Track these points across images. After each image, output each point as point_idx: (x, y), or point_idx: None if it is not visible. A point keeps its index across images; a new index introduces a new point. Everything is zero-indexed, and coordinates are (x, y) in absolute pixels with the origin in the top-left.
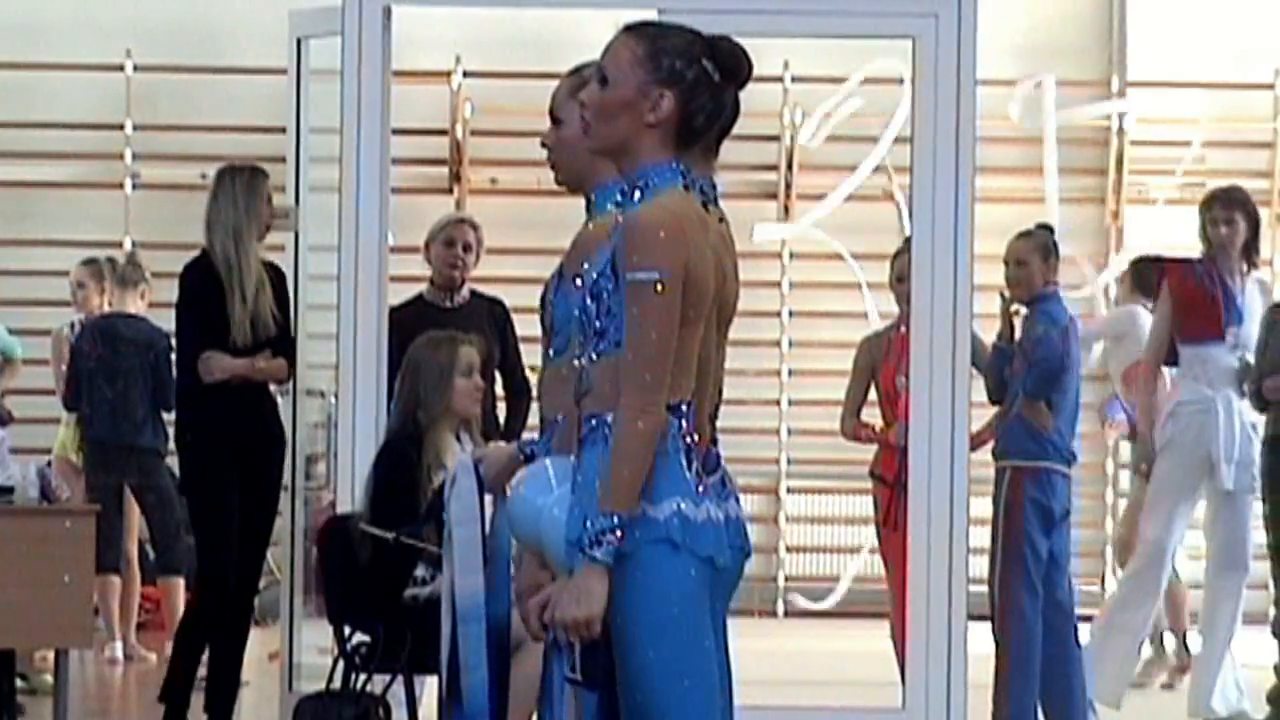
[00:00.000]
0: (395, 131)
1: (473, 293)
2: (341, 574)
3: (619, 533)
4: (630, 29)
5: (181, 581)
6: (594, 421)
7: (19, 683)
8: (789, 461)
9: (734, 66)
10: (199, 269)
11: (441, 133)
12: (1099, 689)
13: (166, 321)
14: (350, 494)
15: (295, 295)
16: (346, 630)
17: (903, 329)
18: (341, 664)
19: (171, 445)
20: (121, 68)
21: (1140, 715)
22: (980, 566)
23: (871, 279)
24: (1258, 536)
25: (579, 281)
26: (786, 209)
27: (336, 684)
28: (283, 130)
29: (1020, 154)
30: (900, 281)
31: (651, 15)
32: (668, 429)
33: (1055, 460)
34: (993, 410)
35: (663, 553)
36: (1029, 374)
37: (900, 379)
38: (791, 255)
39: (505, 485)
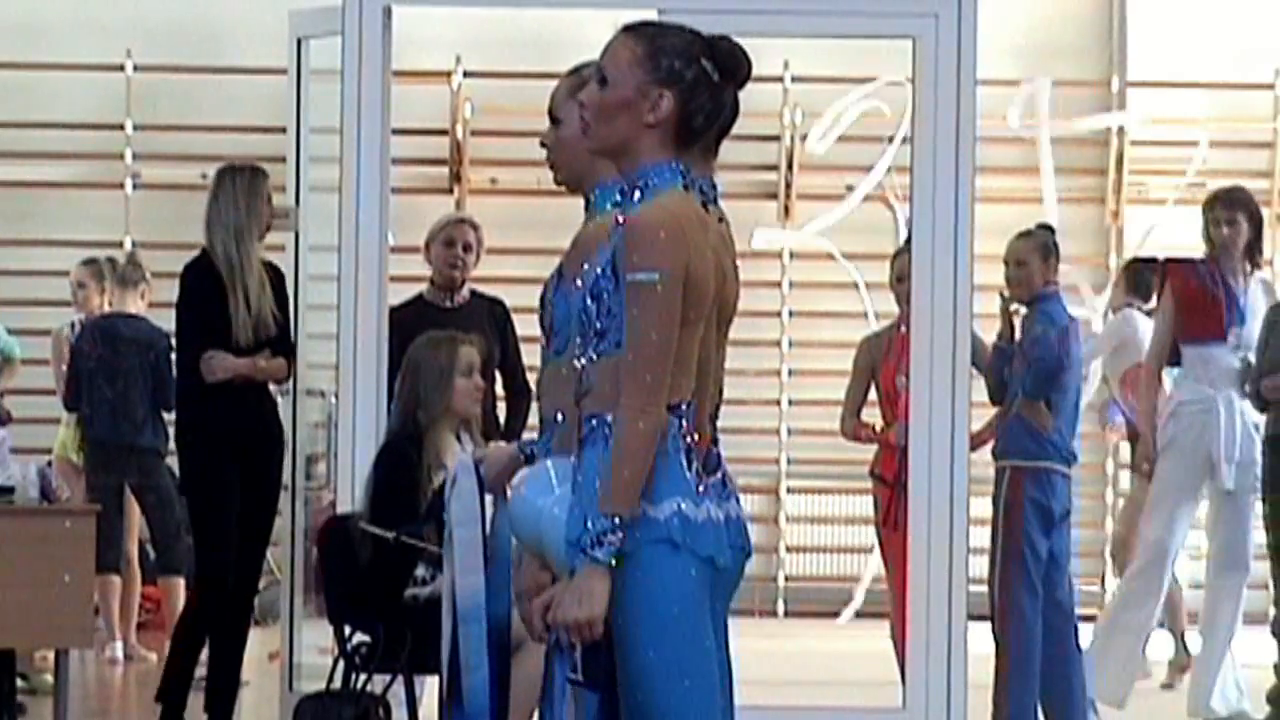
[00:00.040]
0: (395, 131)
1: (473, 293)
2: (341, 574)
3: (620, 533)
4: (629, 29)
5: (182, 581)
6: (594, 421)
7: (19, 683)
8: (789, 461)
9: (733, 66)
10: (199, 269)
11: (441, 133)
12: (1103, 689)
13: (166, 321)
14: (350, 494)
15: (295, 295)
16: (346, 630)
17: (903, 329)
18: (341, 664)
19: (172, 445)
20: (121, 68)
21: (1140, 715)
22: (980, 566)
23: (869, 279)
24: (1258, 536)
25: (579, 282)
26: (786, 209)
27: (336, 684)
28: (283, 130)
29: (1020, 154)
30: (900, 281)
31: (651, 15)
32: (668, 429)
33: (1055, 460)
34: (993, 410)
35: (663, 553)
36: (1027, 374)
37: (900, 379)
38: (792, 256)
39: (505, 485)
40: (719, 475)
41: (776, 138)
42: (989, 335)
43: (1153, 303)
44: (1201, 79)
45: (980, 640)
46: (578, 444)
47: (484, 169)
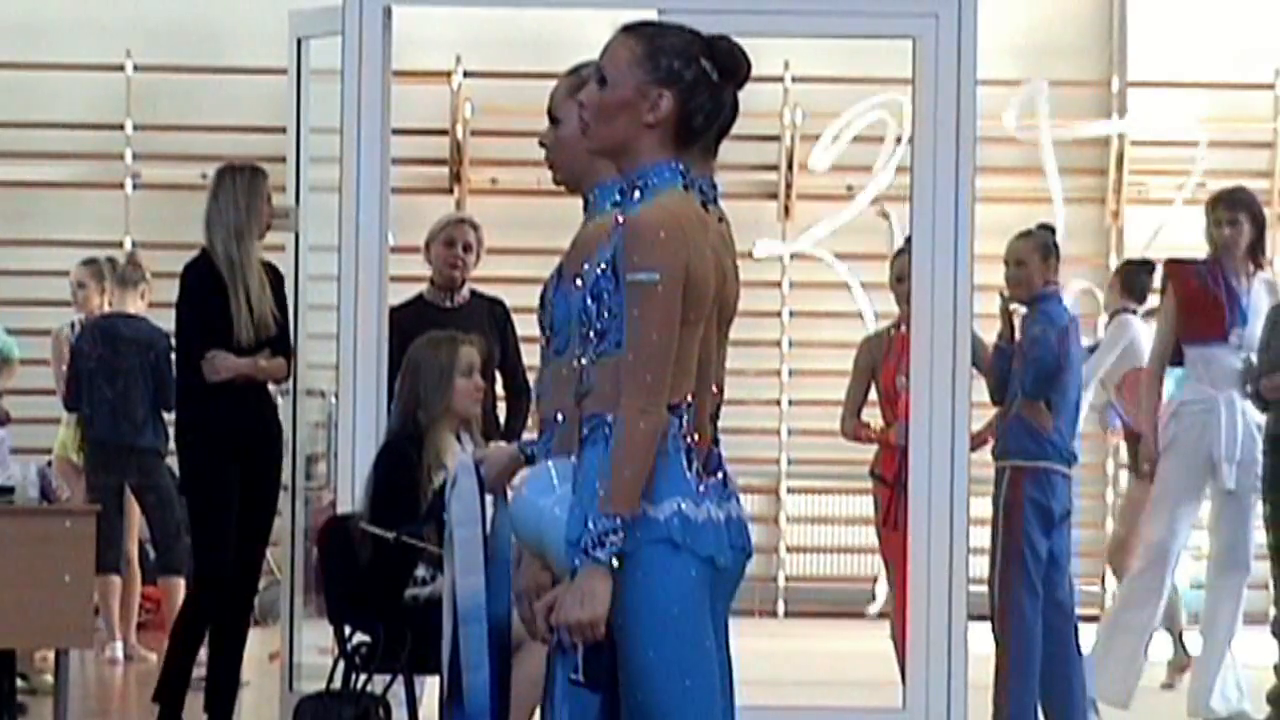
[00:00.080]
0: (395, 131)
1: (473, 293)
2: (341, 574)
3: (621, 534)
4: (628, 29)
5: (182, 581)
6: (594, 422)
7: (19, 683)
8: (789, 461)
9: (732, 66)
10: (200, 268)
11: (441, 133)
12: (1106, 690)
13: (166, 321)
14: (350, 494)
15: (295, 295)
16: (347, 630)
17: (903, 329)
18: (341, 664)
19: (171, 445)
20: (121, 68)
21: (1140, 715)
22: (980, 566)
23: (870, 279)
24: (1258, 536)
25: (579, 282)
26: (786, 209)
27: (336, 684)
28: (283, 130)
29: (1020, 154)
30: (900, 281)
31: (651, 15)
32: (668, 429)
33: (1055, 460)
34: (993, 410)
35: (663, 553)
36: (1026, 374)
37: (900, 379)
38: (792, 256)
39: (506, 486)
40: (720, 475)
41: (776, 138)
42: (989, 335)
43: (1148, 304)
44: (1201, 79)
45: (980, 640)
46: (578, 444)
47: (484, 169)
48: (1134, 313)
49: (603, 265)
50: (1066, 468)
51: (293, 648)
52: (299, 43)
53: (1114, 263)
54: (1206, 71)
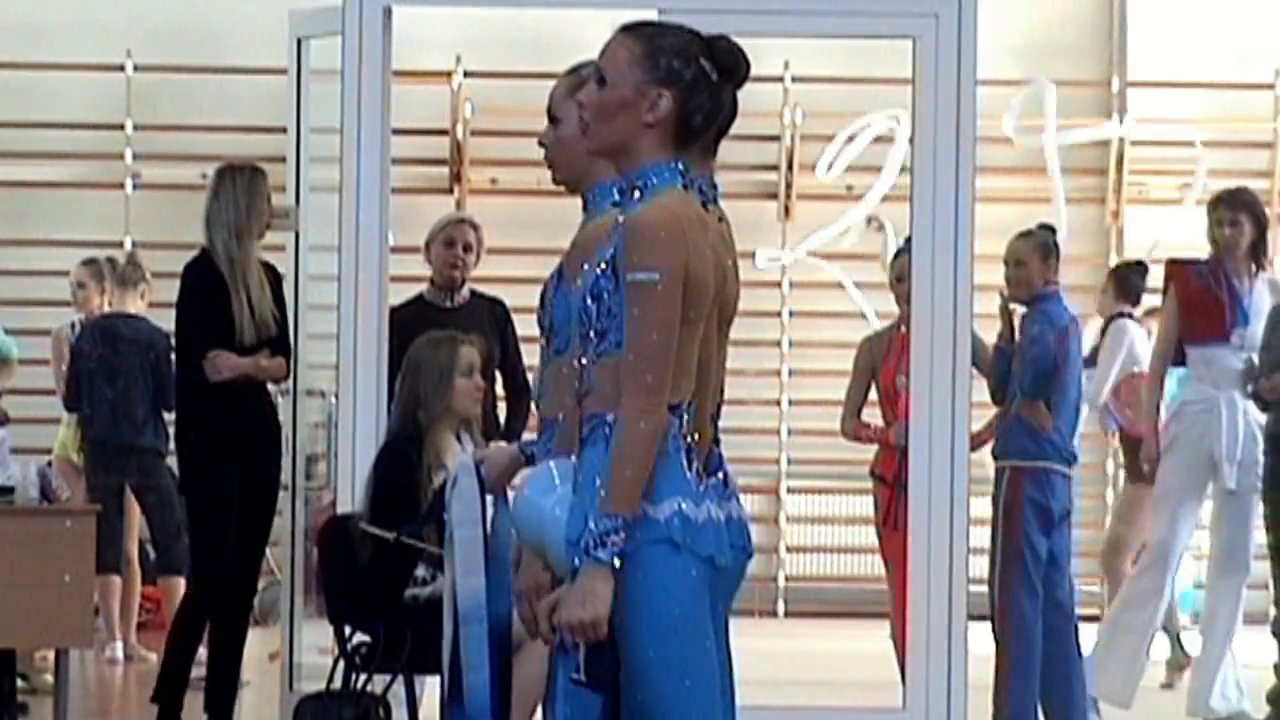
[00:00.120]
0: (395, 131)
1: (473, 293)
2: (341, 574)
3: (623, 534)
4: (627, 29)
5: (182, 581)
6: (595, 422)
7: (19, 683)
8: (789, 461)
9: (731, 65)
10: (200, 268)
11: (441, 133)
12: (1108, 690)
13: (167, 321)
14: (350, 494)
15: (295, 295)
16: (347, 630)
17: (903, 329)
18: (342, 664)
19: (171, 444)
20: (121, 68)
21: (1140, 715)
22: (980, 566)
23: (870, 279)
24: (1259, 536)
25: (579, 282)
26: (786, 209)
27: (337, 684)
28: (283, 130)
29: (1020, 154)
30: (900, 281)
31: (651, 15)
32: (668, 429)
33: (1055, 460)
34: (993, 410)
35: (663, 553)
36: (1025, 374)
37: (900, 379)
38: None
39: (506, 486)
40: (720, 475)
41: (776, 138)
42: (989, 335)
43: (1142, 305)
44: (1201, 79)
45: (980, 640)
46: (579, 444)
47: (484, 169)
48: (1129, 316)
49: (602, 265)
50: (1066, 468)
51: (293, 648)
52: (299, 43)
53: (1114, 263)
54: (1206, 71)
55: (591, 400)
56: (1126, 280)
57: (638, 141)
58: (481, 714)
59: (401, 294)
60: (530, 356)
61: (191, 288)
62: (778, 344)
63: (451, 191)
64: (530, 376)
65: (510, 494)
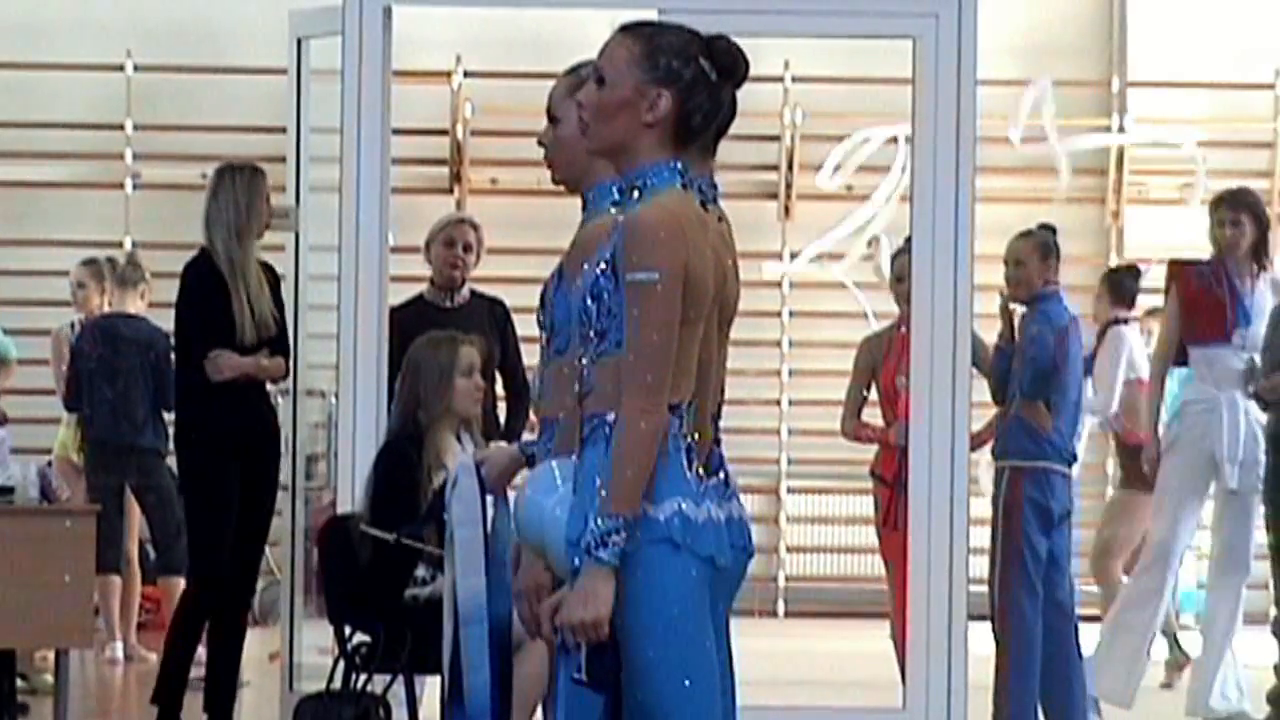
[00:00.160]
0: (395, 131)
1: (473, 293)
2: (341, 574)
3: (624, 534)
4: (626, 29)
5: (182, 581)
6: (595, 422)
7: (19, 682)
8: (789, 461)
9: (731, 65)
10: (200, 268)
11: (441, 133)
12: (1109, 689)
13: (166, 321)
14: (350, 494)
15: (295, 295)
16: (347, 630)
17: (903, 329)
18: (341, 664)
19: (171, 444)
20: (121, 68)
21: (1139, 714)
22: (980, 566)
23: (866, 279)
24: (1259, 536)
25: (579, 282)
26: (787, 209)
27: (337, 684)
28: (283, 130)
29: (1020, 154)
30: (900, 281)
31: (651, 15)
32: (668, 429)
33: (1054, 460)
34: (993, 410)
35: (663, 553)
36: (1023, 374)
37: (900, 379)
38: (792, 256)
39: (506, 487)
40: (721, 475)
41: (776, 138)
42: (989, 335)
43: (1144, 306)
44: (1201, 79)
45: (980, 640)
46: (579, 444)
47: (484, 169)
48: (1125, 322)
49: (602, 265)
50: (1066, 468)
51: (293, 648)
52: (299, 43)
53: (1114, 263)
54: (1206, 71)
55: (592, 400)
56: (1120, 285)
57: (637, 141)
58: (482, 714)
59: (401, 294)
60: (530, 356)
61: (191, 288)
62: (778, 344)
63: (451, 191)
64: (530, 376)
65: (511, 494)
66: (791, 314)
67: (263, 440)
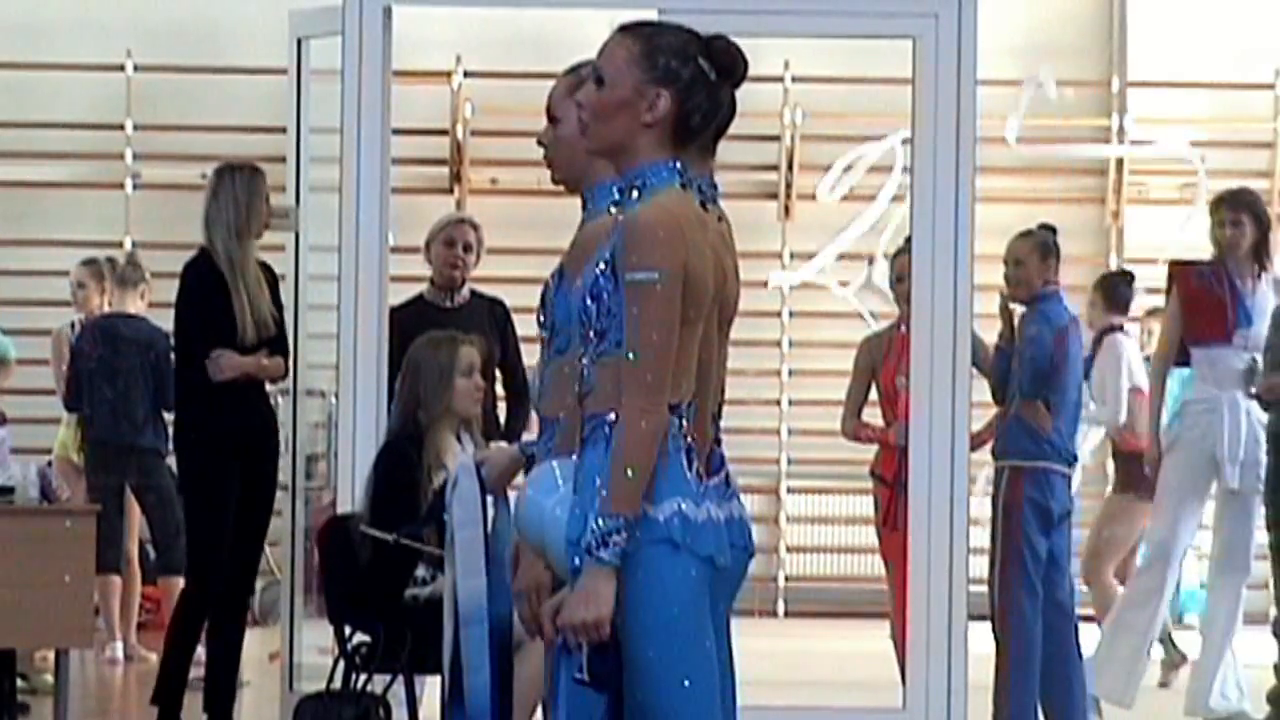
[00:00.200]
0: (395, 131)
1: (473, 293)
2: (341, 574)
3: (625, 534)
4: (625, 29)
5: (182, 581)
6: (595, 422)
7: (19, 682)
8: (789, 461)
9: (730, 65)
10: (200, 268)
11: (441, 133)
12: (1109, 689)
13: (166, 321)
14: (350, 494)
15: (295, 295)
16: (347, 630)
17: (903, 329)
18: (342, 664)
19: (171, 444)
20: (121, 68)
21: (1139, 714)
22: (980, 566)
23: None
24: (1259, 536)
25: (579, 282)
26: (787, 209)
27: (337, 684)
28: (283, 130)
29: (1020, 154)
30: (900, 281)
31: (651, 15)
32: (668, 429)
33: (1054, 460)
34: (993, 410)
35: (663, 553)
36: (1022, 373)
37: (900, 379)
38: (792, 256)
39: (506, 487)
40: (722, 475)
41: (776, 138)
42: (989, 335)
43: (1144, 306)
44: (1201, 79)
45: (980, 640)
46: (580, 443)
47: (484, 169)
48: (1121, 329)
49: (602, 265)
50: (1066, 468)
51: (293, 648)
52: (299, 43)
53: (1114, 263)
54: (1206, 71)
55: (592, 400)
56: (1115, 290)
57: (636, 141)
58: (482, 715)
59: (401, 294)
60: (530, 357)
61: (191, 288)
62: (778, 344)
63: (451, 191)
64: (530, 375)
65: (511, 495)
66: (791, 314)
67: (262, 440)
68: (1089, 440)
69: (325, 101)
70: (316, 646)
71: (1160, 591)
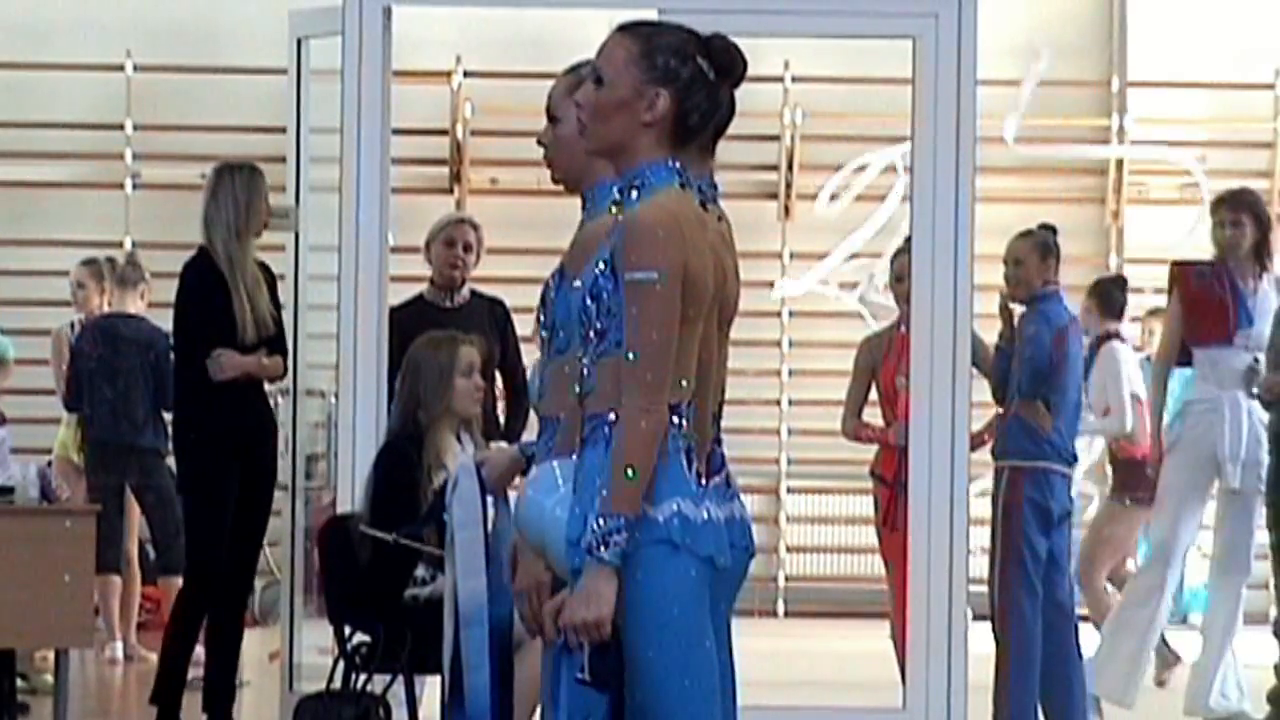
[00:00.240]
0: (395, 131)
1: (473, 293)
2: (341, 574)
3: (625, 534)
4: (624, 28)
5: (181, 581)
6: (595, 422)
7: (19, 682)
8: (789, 461)
9: (728, 64)
10: (200, 267)
11: (441, 133)
12: (1110, 689)
13: (166, 321)
14: (350, 494)
15: (295, 295)
16: (346, 630)
17: (903, 329)
18: (341, 664)
19: (170, 444)
20: (121, 68)
21: (1138, 714)
22: (980, 566)
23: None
24: (1260, 536)
25: (579, 281)
26: (787, 209)
27: (336, 684)
28: (283, 130)
29: (1020, 154)
30: (900, 281)
31: (651, 15)
32: (668, 429)
33: (1054, 460)
34: (993, 410)
35: (663, 553)
36: (1021, 373)
37: (900, 379)
38: (792, 256)
39: (507, 487)
40: (722, 475)
41: (776, 138)
42: (989, 335)
43: (1126, 319)
44: (1201, 79)
45: (980, 640)
46: (579, 444)
47: (484, 169)
48: (1117, 334)
49: (602, 264)
50: (1066, 468)
51: (293, 648)
52: (299, 43)
53: (1114, 263)
54: (1206, 71)
55: (592, 400)
56: (1109, 296)
57: (635, 141)
58: (482, 715)
59: (401, 294)
60: (530, 357)
61: (191, 287)
62: (778, 344)
63: (451, 191)
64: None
65: (511, 495)
66: (791, 313)
67: (261, 439)
68: (1092, 452)
69: (325, 101)
70: (316, 646)
71: (1161, 591)
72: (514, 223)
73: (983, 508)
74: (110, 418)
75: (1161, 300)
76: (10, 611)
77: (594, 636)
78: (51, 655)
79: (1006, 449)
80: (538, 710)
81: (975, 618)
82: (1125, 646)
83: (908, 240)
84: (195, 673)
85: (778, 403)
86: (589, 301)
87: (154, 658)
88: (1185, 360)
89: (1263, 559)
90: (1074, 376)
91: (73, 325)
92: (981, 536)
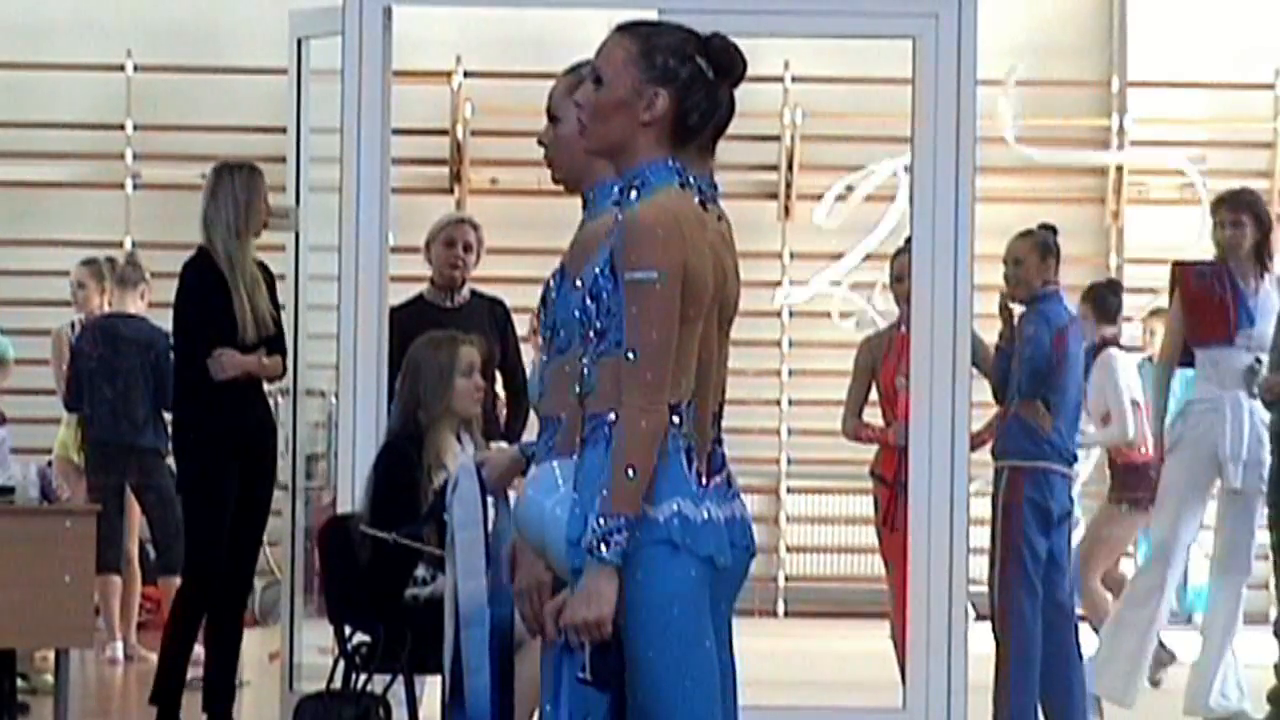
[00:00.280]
0: (395, 131)
1: (473, 293)
2: (341, 574)
3: (626, 533)
4: (623, 28)
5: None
6: (595, 421)
7: (19, 682)
8: (789, 461)
9: (728, 64)
10: (200, 267)
11: (441, 133)
12: (1110, 688)
13: (167, 321)
14: (350, 494)
15: (295, 295)
16: (347, 630)
17: (903, 329)
18: (341, 664)
19: (170, 443)
20: (121, 68)
21: (1137, 714)
22: (980, 566)
23: (865, 279)
24: (1260, 536)
25: (579, 281)
26: (787, 209)
27: (337, 684)
28: (283, 130)
29: (1020, 154)
30: (900, 281)
31: (650, 15)
32: (668, 429)
33: (1054, 460)
34: (993, 410)
35: (663, 553)
36: (1020, 373)
37: (900, 379)
38: (792, 255)
39: (507, 488)
40: (723, 475)
41: (776, 138)
42: (989, 335)
43: (1120, 321)
44: (1201, 79)
45: (980, 640)
46: (580, 443)
47: (484, 169)
48: (1114, 340)
49: (601, 264)
50: (1066, 468)
51: (293, 648)
52: (299, 43)
53: (1114, 263)
54: (1206, 71)
55: (592, 400)
56: (1104, 301)
57: (635, 141)
58: (482, 715)
59: (401, 294)
60: (529, 357)
61: (191, 287)
62: (778, 344)
63: (451, 191)
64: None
65: (511, 495)
66: (791, 314)
67: (261, 439)
68: (1091, 459)
69: (325, 101)
70: (316, 646)
71: (1161, 590)
72: (514, 223)
73: (982, 508)
74: (110, 418)
75: (1163, 301)
76: (10, 611)
77: (595, 636)
78: (52, 655)
79: (1006, 449)
80: (538, 710)
81: (977, 618)
82: (1125, 646)
83: (908, 240)
84: (195, 673)
85: (778, 403)
86: (589, 301)
87: (154, 658)
88: (1187, 361)
89: (1263, 559)
90: (1074, 376)
91: (73, 325)
92: (981, 536)
